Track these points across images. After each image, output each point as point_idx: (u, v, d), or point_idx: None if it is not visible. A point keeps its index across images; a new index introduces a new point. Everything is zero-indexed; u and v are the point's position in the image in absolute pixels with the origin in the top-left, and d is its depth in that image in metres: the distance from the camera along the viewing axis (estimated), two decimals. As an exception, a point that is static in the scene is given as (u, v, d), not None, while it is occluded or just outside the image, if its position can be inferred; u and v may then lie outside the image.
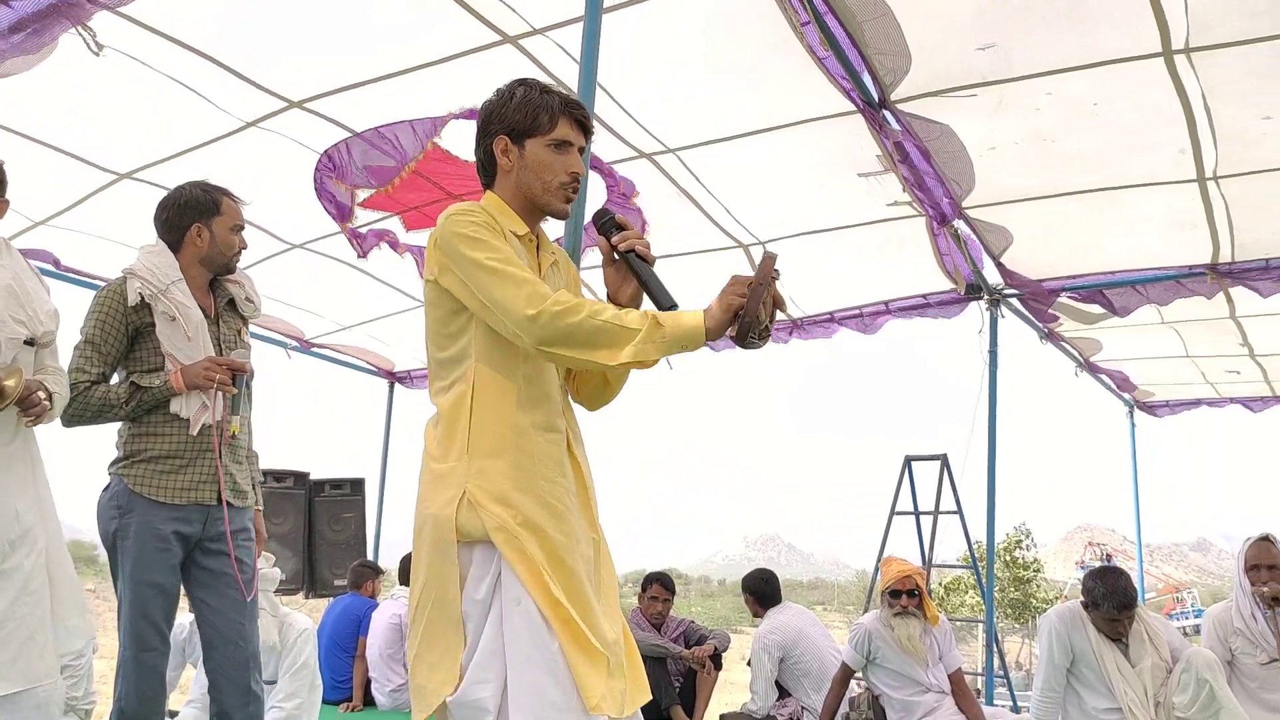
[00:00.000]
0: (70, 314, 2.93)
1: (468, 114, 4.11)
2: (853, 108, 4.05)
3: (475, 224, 2.00)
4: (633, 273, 2.11)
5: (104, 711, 3.49)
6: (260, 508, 3.26)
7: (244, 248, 3.14)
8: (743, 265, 5.70)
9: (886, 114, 4.11)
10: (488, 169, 2.16)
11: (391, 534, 8.48)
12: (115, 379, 2.97)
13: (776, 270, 1.84)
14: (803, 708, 5.37)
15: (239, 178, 3.51)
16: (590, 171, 3.57)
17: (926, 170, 4.50)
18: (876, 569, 6.61)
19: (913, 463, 7.69)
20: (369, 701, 6.17)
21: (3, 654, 2.52)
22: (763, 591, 5.74)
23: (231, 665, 2.97)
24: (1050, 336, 7.17)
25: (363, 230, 5.24)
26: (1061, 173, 4.65)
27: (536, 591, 1.91)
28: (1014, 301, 6.28)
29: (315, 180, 4.73)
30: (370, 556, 7.95)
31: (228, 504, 2.96)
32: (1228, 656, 4.23)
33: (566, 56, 3.77)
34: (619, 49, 3.56)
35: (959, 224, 5.17)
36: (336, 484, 8.05)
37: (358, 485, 8.17)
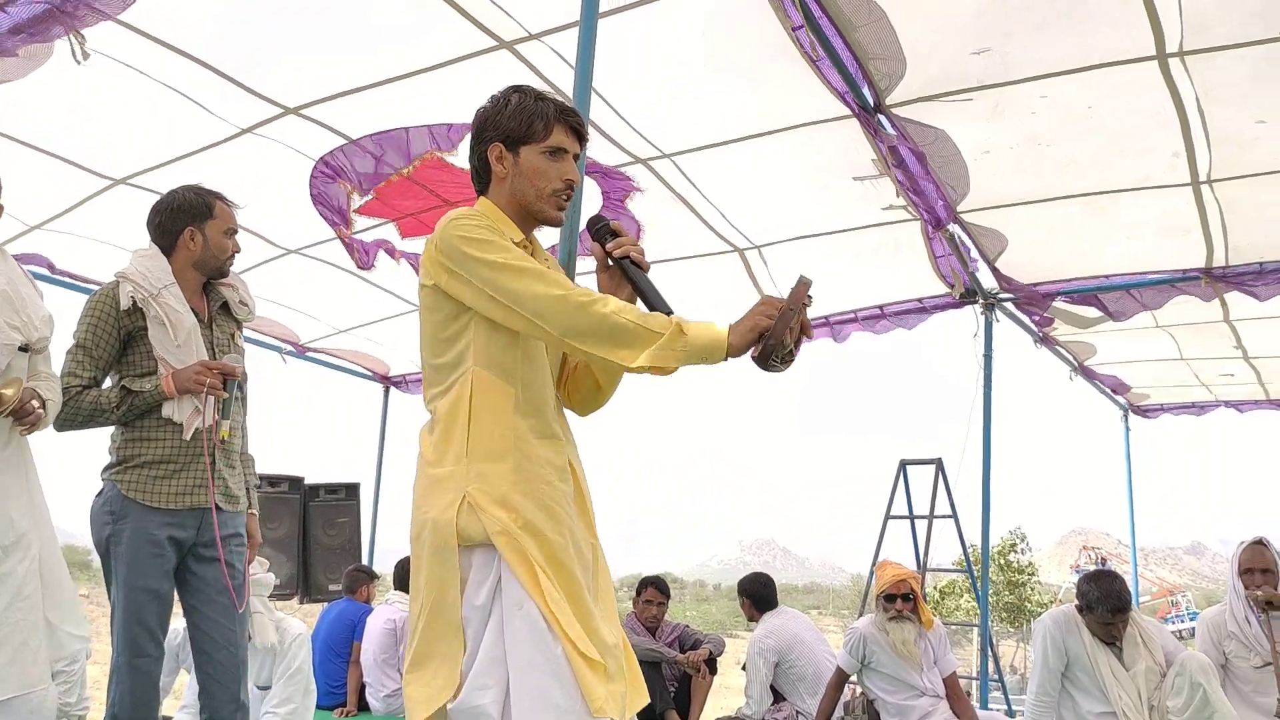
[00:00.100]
0: (64, 318, 2.93)
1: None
2: (847, 112, 4.05)
3: (479, 226, 2.01)
4: (627, 279, 2.10)
5: (97, 717, 3.48)
6: (255, 512, 3.25)
7: (237, 251, 3.13)
8: (738, 270, 5.70)
9: (881, 118, 4.11)
10: (482, 175, 2.16)
11: (386, 539, 8.45)
12: (108, 383, 2.96)
13: (809, 296, 1.83)
14: (798, 712, 5.37)
15: (234, 183, 3.52)
16: (585, 176, 3.57)
17: (921, 174, 4.51)
18: (871, 573, 6.62)
19: (908, 467, 7.72)
20: (364, 707, 6.16)
21: (-4, 660, 2.51)
22: (759, 595, 5.74)
23: (223, 672, 2.97)
24: (1045, 340, 7.17)
25: (363, 240, 5.23)
26: (1056, 177, 4.65)
27: (538, 594, 1.91)
28: (1009, 305, 6.28)
29: (311, 186, 4.73)
30: (365, 561, 7.95)
31: (218, 509, 2.96)
32: (1222, 660, 4.24)
33: (562, 62, 3.77)
34: (615, 55, 3.56)
35: (954, 228, 5.17)
36: (331, 489, 8.05)
37: (353, 490, 8.18)
